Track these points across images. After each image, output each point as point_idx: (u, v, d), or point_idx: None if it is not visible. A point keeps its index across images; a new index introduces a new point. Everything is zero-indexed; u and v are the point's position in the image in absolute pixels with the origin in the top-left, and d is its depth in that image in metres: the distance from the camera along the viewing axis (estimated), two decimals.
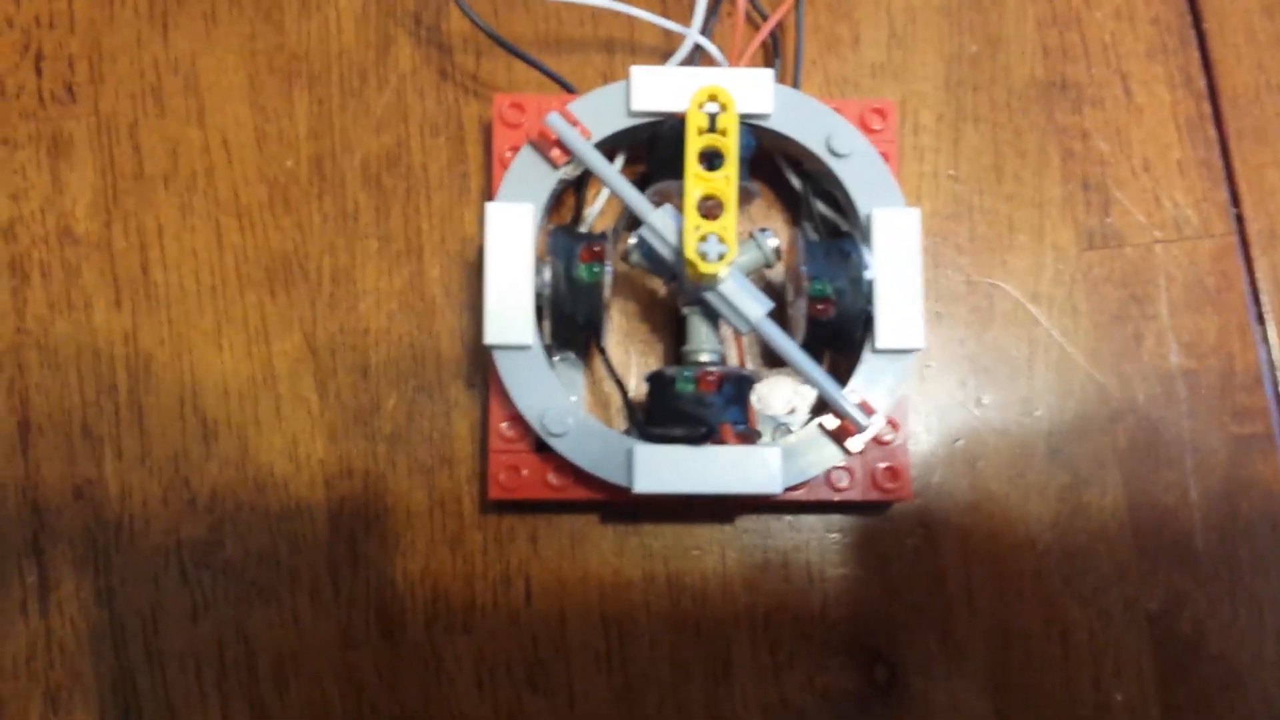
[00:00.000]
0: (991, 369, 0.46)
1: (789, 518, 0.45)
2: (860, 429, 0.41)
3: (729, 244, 0.39)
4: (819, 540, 0.45)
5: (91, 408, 0.45)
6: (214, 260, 0.46)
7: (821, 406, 0.45)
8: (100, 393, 0.45)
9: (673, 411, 0.41)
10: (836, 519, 0.45)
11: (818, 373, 0.40)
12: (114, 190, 0.46)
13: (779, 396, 0.46)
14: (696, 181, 0.39)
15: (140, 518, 0.44)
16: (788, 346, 0.40)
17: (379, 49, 0.48)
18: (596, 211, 0.45)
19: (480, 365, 0.45)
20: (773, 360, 0.46)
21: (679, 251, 0.40)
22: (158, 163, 0.46)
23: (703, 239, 0.39)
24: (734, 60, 0.46)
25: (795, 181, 0.45)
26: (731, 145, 0.40)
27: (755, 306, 0.40)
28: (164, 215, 0.46)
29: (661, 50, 0.48)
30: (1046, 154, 0.48)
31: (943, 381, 0.46)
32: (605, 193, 0.46)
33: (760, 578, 0.45)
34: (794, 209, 0.47)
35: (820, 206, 0.45)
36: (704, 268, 0.38)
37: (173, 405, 0.45)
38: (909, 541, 0.45)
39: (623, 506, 0.44)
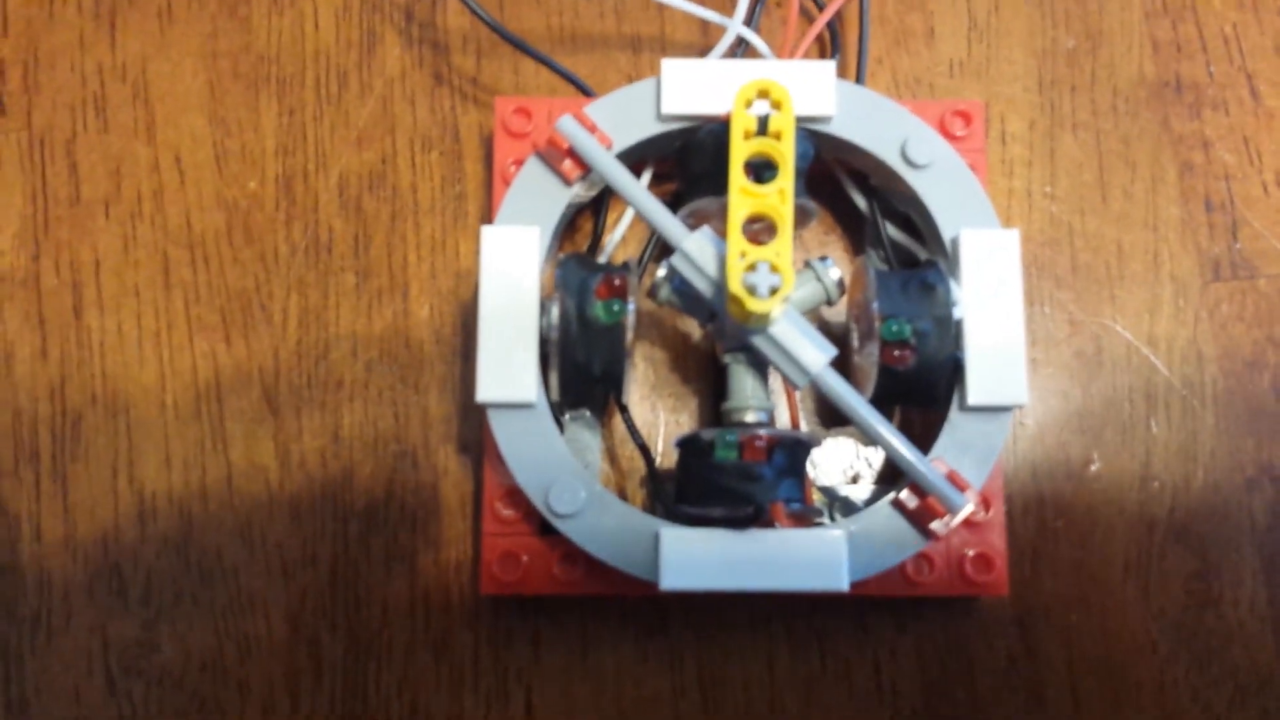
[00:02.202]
0: (1099, 429, 0.37)
1: (854, 616, 0.36)
2: (951, 510, 0.31)
3: (784, 275, 0.30)
4: (890, 644, 0.36)
5: (8, 478, 0.36)
6: (159, 301, 0.37)
7: (892, 473, 0.36)
8: (19, 460, 0.36)
9: (711, 486, 0.32)
10: (912, 618, 0.36)
11: (896, 438, 0.31)
12: (45, 217, 0.38)
13: (838, 461, 0.37)
14: (743, 198, 0.30)
15: (60, 613, 0.35)
16: (855, 403, 0.31)
17: (363, 49, 0.39)
18: (618, 239, 0.37)
19: (476, 426, 0.36)
20: (830, 419, 0.37)
21: (720, 285, 0.31)
22: (97, 185, 0.38)
23: (751, 268, 0.30)
24: (784, 57, 0.37)
25: (860, 200, 0.36)
26: (787, 152, 0.31)
27: (815, 354, 0.31)
28: (102, 247, 0.38)
29: (698, 47, 0.39)
30: (1161, 167, 0.39)
31: (1041, 445, 0.37)
32: (629, 216, 0.37)
33: (818, 691, 0.35)
34: (857, 234, 0.38)
35: (891, 230, 0.36)
36: (752, 305, 0.29)
37: (104, 476, 0.36)
38: (1001, 645, 0.36)
39: (646, 603, 0.35)
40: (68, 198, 0.38)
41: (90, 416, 0.37)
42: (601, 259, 0.36)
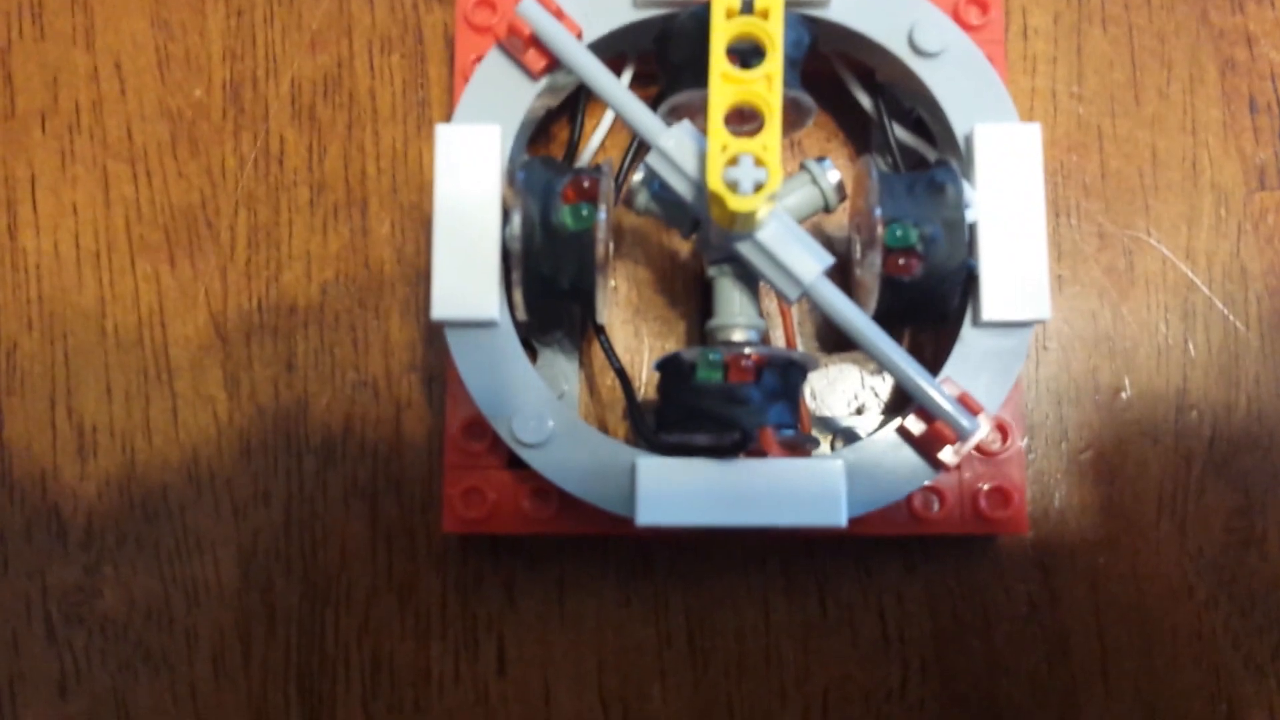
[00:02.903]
0: (1132, 352, 0.34)
1: (857, 556, 0.33)
2: (961, 436, 0.28)
3: (770, 168, 0.26)
4: (898, 588, 0.33)
5: None
6: (99, 219, 0.34)
7: (900, 403, 0.32)
8: None
9: (693, 411, 0.28)
10: (922, 559, 0.33)
11: (899, 355, 0.28)
12: None
13: (841, 390, 0.33)
14: (725, 85, 0.27)
15: None
16: (856, 318, 0.28)
17: None
18: (595, 147, 0.33)
19: (442, 354, 0.33)
20: (833, 342, 0.33)
21: (701, 184, 0.28)
22: (32, 96, 0.35)
23: (732, 161, 0.26)
24: None
25: (864, 98, 0.33)
26: (774, 31, 0.27)
27: (809, 262, 0.27)
28: (37, 162, 0.35)
29: None
30: (1200, 65, 0.35)
31: (1067, 369, 0.34)
32: (606, 121, 0.33)
33: (817, 639, 0.32)
34: (861, 138, 0.34)
35: (899, 132, 0.32)
36: (734, 203, 0.26)
37: (41, 408, 0.33)
38: (1021, 590, 0.33)
39: (629, 544, 0.32)
40: (1, 110, 0.35)
41: (25, 344, 0.34)
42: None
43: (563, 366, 0.33)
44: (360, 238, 0.34)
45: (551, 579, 0.33)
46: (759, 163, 0.26)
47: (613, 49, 0.31)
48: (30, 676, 0.32)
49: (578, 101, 0.33)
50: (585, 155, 0.33)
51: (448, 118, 0.34)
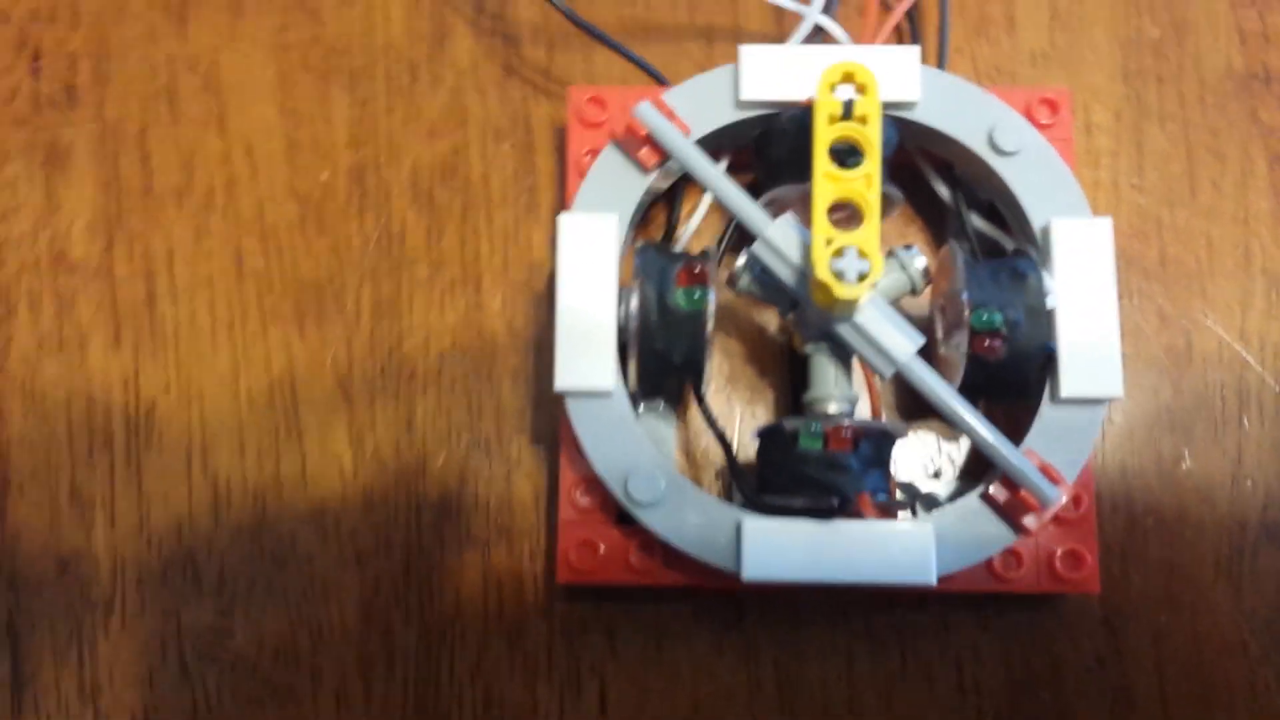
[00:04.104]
0: (1191, 426, 0.36)
1: (935, 613, 0.35)
2: (1044, 503, 0.30)
3: (872, 260, 0.28)
4: (974, 642, 0.34)
5: (82, 465, 0.36)
6: (232, 290, 0.37)
7: (976, 469, 0.34)
8: (94, 447, 0.36)
9: (795, 476, 0.30)
10: (996, 614, 0.35)
11: (988, 428, 0.30)
12: (118, 208, 0.37)
13: (919, 457, 0.35)
14: (828, 183, 0.29)
15: (135, 599, 0.35)
16: (944, 393, 0.30)
17: (433, 41, 0.38)
18: (693, 229, 0.36)
19: (549, 418, 0.35)
20: (911, 413, 0.36)
21: (804, 272, 0.30)
22: (169, 176, 0.38)
23: (838, 254, 0.28)
24: (859, 41, 0.36)
25: (943, 189, 0.35)
26: (874, 136, 0.30)
27: (903, 341, 0.30)
28: (175, 237, 0.37)
29: (773, 37, 0.38)
30: (1250, 159, 0.38)
31: (1130, 441, 0.36)
32: (703, 206, 0.36)
33: (898, 689, 0.34)
34: (938, 225, 0.37)
35: (976, 220, 0.35)
36: (840, 291, 0.28)
37: (178, 463, 0.36)
38: (1088, 646, 0.34)
39: (722, 597, 0.34)
40: (140, 188, 0.38)
41: (164, 403, 0.36)
42: (676, 250, 0.35)
43: (661, 431, 0.35)
44: (475, 311, 0.36)
45: (649, 627, 0.34)
46: (862, 254, 0.29)
47: (713, 144, 0.34)
48: (164, 708, 0.34)
49: (677, 190, 0.36)
50: (684, 236, 0.36)
51: (554, 203, 0.37)
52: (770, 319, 0.36)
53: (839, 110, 0.30)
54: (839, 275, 0.28)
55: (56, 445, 0.36)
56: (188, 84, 0.38)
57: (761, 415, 0.36)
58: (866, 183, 0.29)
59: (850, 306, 0.29)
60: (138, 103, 0.38)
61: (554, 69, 0.38)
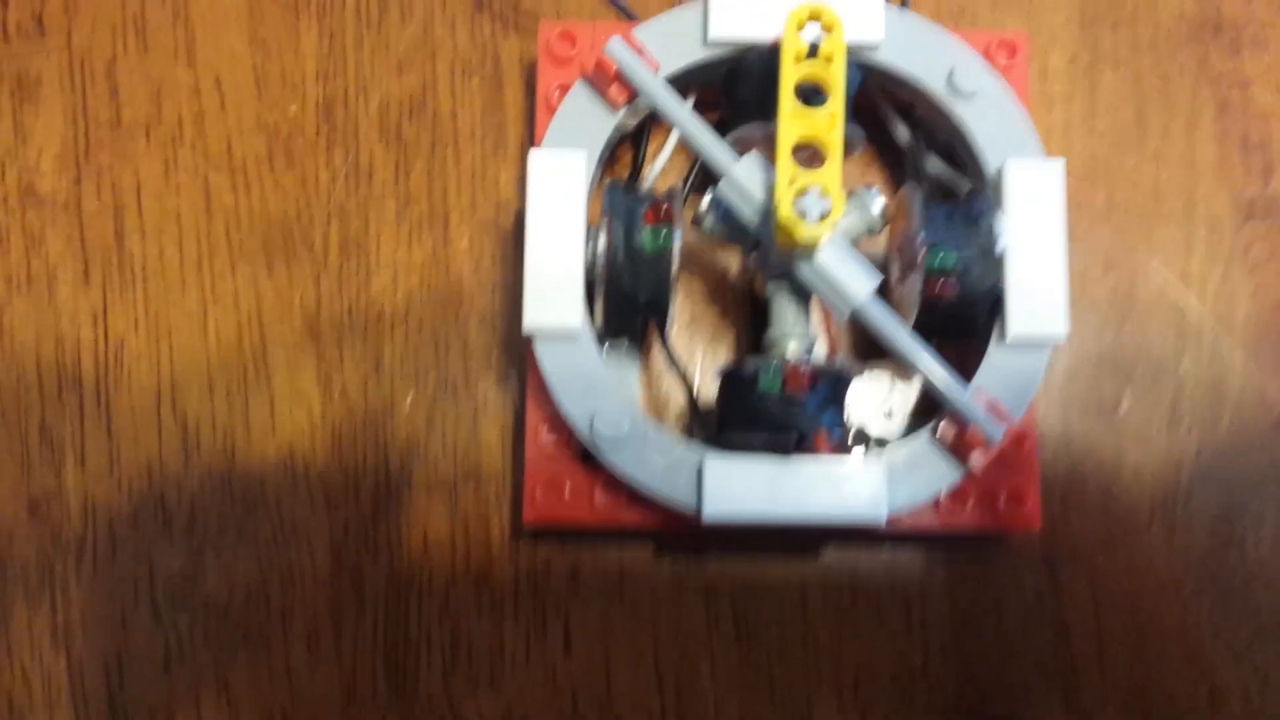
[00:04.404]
0: (1131, 368, 0.37)
1: (885, 549, 0.36)
2: (989, 442, 0.31)
3: (834, 200, 0.29)
4: (920, 579, 0.36)
5: (51, 404, 0.36)
6: (201, 226, 0.37)
7: (926, 410, 0.35)
8: (62, 386, 0.36)
9: (754, 415, 0.31)
10: (942, 552, 0.36)
11: (940, 369, 0.31)
12: (86, 141, 0.37)
13: (871, 397, 0.36)
14: (793, 122, 0.30)
15: (106, 541, 0.35)
16: (899, 334, 0.31)
17: None
18: (659, 169, 0.36)
19: (516, 358, 0.36)
20: (864, 353, 0.36)
21: (767, 211, 0.31)
22: (138, 108, 0.37)
23: (801, 193, 0.29)
24: None
25: (902, 131, 0.36)
26: (838, 76, 0.30)
27: (861, 282, 0.31)
28: (144, 171, 0.37)
29: None
30: (1199, 105, 0.38)
31: (1073, 383, 0.37)
32: (669, 146, 0.36)
33: (849, 624, 0.35)
34: (895, 167, 0.37)
35: (934, 162, 0.35)
36: (802, 231, 0.29)
37: (148, 403, 0.36)
38: (1029, 582, 0.36)
39: (683, 537, 0.35)
40: (109, 121, 0.37)
41: (133, 342, 0.36)
42: (643, 190, 0.36)
43: (625, 371, 0.35)
44: (442, 249, 0.37)
45: (612, 568, 0.35)
46: (824, 193, 0.29)
47: (681, 82, 0.34)
48: (137, 652, 0.34)
49: (643, 129, 0.36)
50: (650, 176, 0.36)
51: (523, 141, 0.37)
52: (732, 260, 0.37)
53: (805, 50, 0.30)
54: (802, 215, 0.29)
55: (25, 385, 0.36)
56: (156, 14, 0.38)
57: (723, 355, 0.37)
58: (830, 122, 0.30)
59: (811, 246, 0.30)
60: (107, 32, 0.38)
61: (523, 2, 0.38)
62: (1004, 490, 0.33)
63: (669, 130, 0.35)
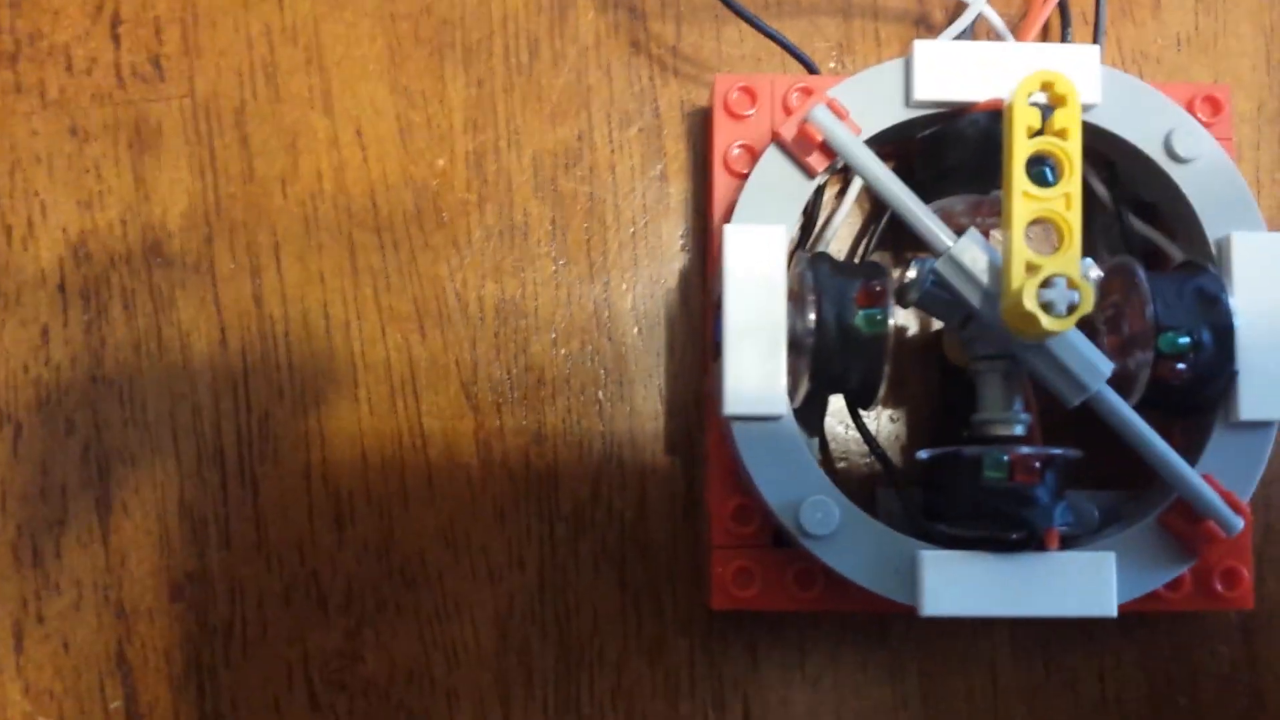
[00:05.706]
0: None
1: (1078, 623, 0.34)
2: (1229, 533, 0.29)
3: (1083, 292, 0.26)
4: (1116, 651, 0.34)
5: (191, 481, 0.33)
6: (346, 289, 0.34)
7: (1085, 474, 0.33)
8: (201, 460, 0.33)
9: (978, 507, 0.29)
10: (1136, 622, 0.34)
11: (1176, 458, 0.28)
12: (215, 195, 0.34)
13: None
14: (1026, 202, 0.27)
15: (256, 623, 0.32)
16: (1135, 423, 0.28)
17: (553, 13, 0.35)
18: (833, 235, 0.33)
19: (684, 427, 0.33)
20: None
21: (993, 294, 0.28)
22: (272, 160, 0.34)
23: (1046, 284, 0.26)
24: (1021, 35, 0.33)
25: (1102, 192, 0.33)
26: (1074, 152, 0.27)
27: (1095, 369, 0.28)
28: (282, 229, 0.34)
29: (913, 15, 0.35)
30: None
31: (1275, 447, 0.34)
32: (845, 208, 0.33)
33: (1041, 698, 0.33)
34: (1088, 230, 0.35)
35: (1137, 223, 0.33)
36: (1049, 324, 0.26)
37: (296, 478, 0.33)
38: (1225, 652, 0.34)
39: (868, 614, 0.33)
40: (240, 174, 0.34)
41: (278, 412, 0.33)
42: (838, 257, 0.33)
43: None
44: (604, 310, 0.34)
45: (792, 644, 0.33)
46: (1071, 285, 0.27)
47: (876, 143, 0.31)
48: None
49: (819, 189, 0.33)
50: (826, 241, 0.33)
51: (686, 193, 0.34)
52: (909, 322, 0.34)
53: (1038, 122, 0.27)
54: (1048, 307, 0.26)
55: (161, 459, 0.33)
56: (287, 57, 0.34)
57: (903, 433, 0.34)
58: (1066, 202, 0.27)
59: (1050, 335, 0.27)
60: (233, 76, 0.34)
61: (682, 47, 0.35)
62: (1218, 570, 0.31)
63: (841, 191, 0.33)
